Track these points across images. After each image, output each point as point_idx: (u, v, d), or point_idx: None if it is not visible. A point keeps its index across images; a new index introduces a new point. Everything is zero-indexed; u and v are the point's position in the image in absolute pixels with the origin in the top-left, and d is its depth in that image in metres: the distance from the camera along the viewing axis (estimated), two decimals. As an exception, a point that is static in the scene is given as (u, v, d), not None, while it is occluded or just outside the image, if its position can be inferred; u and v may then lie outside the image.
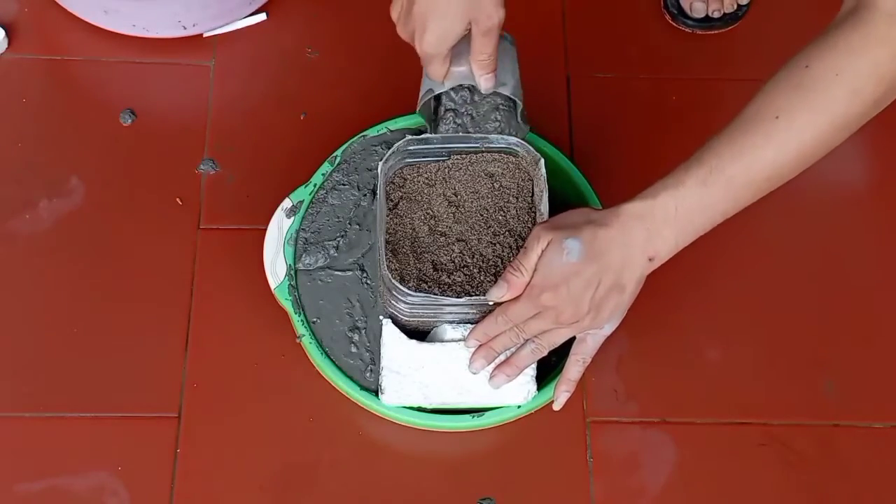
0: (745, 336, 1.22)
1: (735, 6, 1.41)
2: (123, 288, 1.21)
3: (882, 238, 1.29)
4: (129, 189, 1.27)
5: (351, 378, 1.10)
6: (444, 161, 1.12)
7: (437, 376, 1.06)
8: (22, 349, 1.17)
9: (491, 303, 1.00)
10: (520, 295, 0.98)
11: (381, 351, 1.07)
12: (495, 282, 1.00)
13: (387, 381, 1.07)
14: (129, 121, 1.30)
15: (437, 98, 1.11)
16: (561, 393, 1.07)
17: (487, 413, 1.08)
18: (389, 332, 1.07)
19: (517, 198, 1.10)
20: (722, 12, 1.40)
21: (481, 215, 1.10)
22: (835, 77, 0.90)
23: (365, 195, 1.18)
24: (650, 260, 0.96)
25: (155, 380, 1.16)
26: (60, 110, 1.32)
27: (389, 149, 1.10)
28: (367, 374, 1.10)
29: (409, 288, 1.03)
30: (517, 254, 1.00)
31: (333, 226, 1.17)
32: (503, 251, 1.08)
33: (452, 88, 1.09)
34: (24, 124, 1.31)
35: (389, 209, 1.10)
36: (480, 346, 1.03)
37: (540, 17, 1.41)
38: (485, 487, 1.13)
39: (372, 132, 1.21)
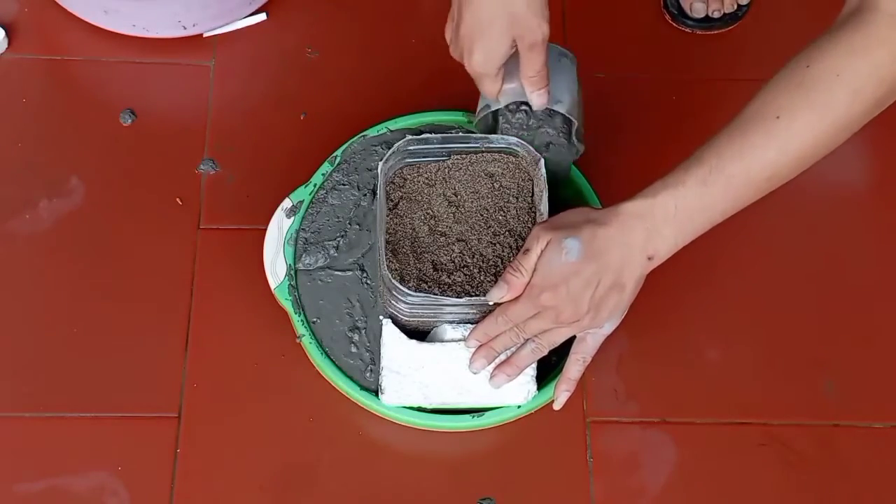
0: (745, 336, 1.22)
1: (735, 6, 1.41)
2: (123, 288, 1.21)
3: (882, 238, 1.29)
4: (129, 189, 1.27)
5: (351, 378, 1.10)
6: (444, 161, 1.12)
7: (437, 376, 1.07)
8: (22, 349, 1.17)
9: (491, 303, 1.00)
10: (520, 295, 0.98)
11: (381, 351, 1.07)
12: (495, 282, 1.00)
13: (387, 381, 1.07)
14: (129, 121, 1.30)
15: (495, 114, 1.11)
16: (561, 392, 1.07)
17: (487, 413, 1.08)
18: (389, 332, 1.07)
19: (517, 198, 1.10)
20: (722, 12, 1.40)
21: (481, 215, 1.10)
22: (836, 77, 0.90)
23: (365, 195, 1.18)
24: (650, 259, 0.96)
25: (155, 380, 1.16)
26: (60, 110, 1.32)
27: (389, 149, 1.10)
28: (367, 374, 1.10)
29: (409, 288, 1.04)
30: (517, 254, 1.00)
31: (333, 226, 1.17)
32: (503, 251, 1.08)
33: (510, 109, 1.09)
34: (24, 124, 1.31)
35: (389, 209, 1.10)
36: (480, 345, 1.03)
37: (540, 17, 1.41)
38: (485, 487, 1.12)
39: (372, 132, 1.21)
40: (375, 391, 1.09)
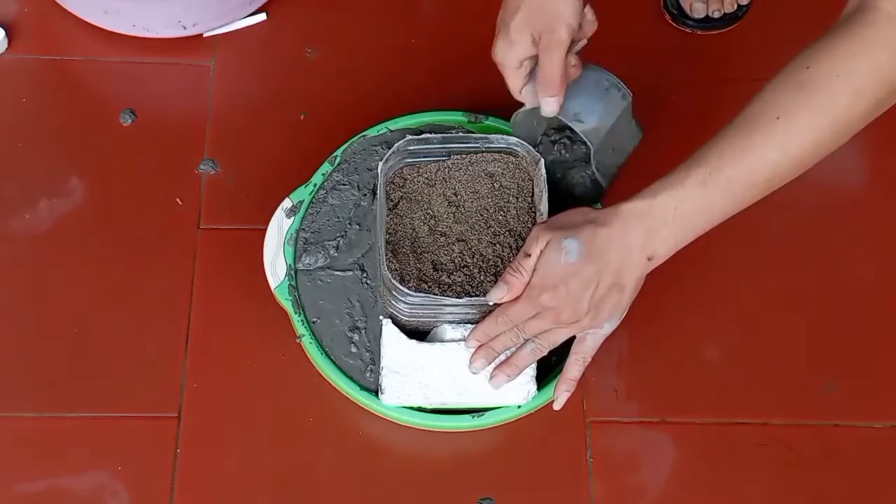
0: (744, 336, 1.22)
1: (735, 6, 1.41)
2: (123, 288, 1.21)
3: (882, 238, 1.29)
4: (129, 189, 1.27)
5: (351, 378, 1.10)
6: (444, 161, 1.12)
7: (437, 376, 1.07)
8: (22, 349, 1.17)
9: (491, 303, 1.00)
10: (520, 295, 0.98)
11: (381, 351, 1.07)
12: (495, 282, 1.00)
13: (387, 381, 1.07)
14: (129, 121, 1.30)
15: (532, 122, 1.11)
16: (561, 392, 1.07)
17: (487, 413, 1.08)
18: (389, 332, 1.07)
19: (517, 198, 1.10)
20: (722, 12, 1.40)
21: (481, 215, 1.10)
22: (836, 78, 0.90)
23: (365, 195, 1.18)
24: (649, 259, 0.96)
25: (155, 380, 1.16)
26: (60, 110, 1.32)
27: (389, 149, 1.10)
28: (367, 374, 1.10)
29: (409, 288, 1.04)
30: (517, 254, 1.00)
31: (333, 226, 1.17)
32: (503, 251, 1.08)
33: (555, 131, 1.09)
34: (24, 124, 1.31)
35: (389, 209, 1.10)
36: (480, 346, 1.03)
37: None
38: (485, 487, 1.12)
39: (372, 132, 1.21)
40: (375, 391, 1.09)
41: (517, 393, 1.07)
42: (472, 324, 1.05)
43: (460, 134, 1.13)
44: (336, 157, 1.20)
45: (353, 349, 1.11)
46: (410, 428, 1.10)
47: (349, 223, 1.17)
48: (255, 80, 1.35)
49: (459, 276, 1.06)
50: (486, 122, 1.22)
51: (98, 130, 1.30)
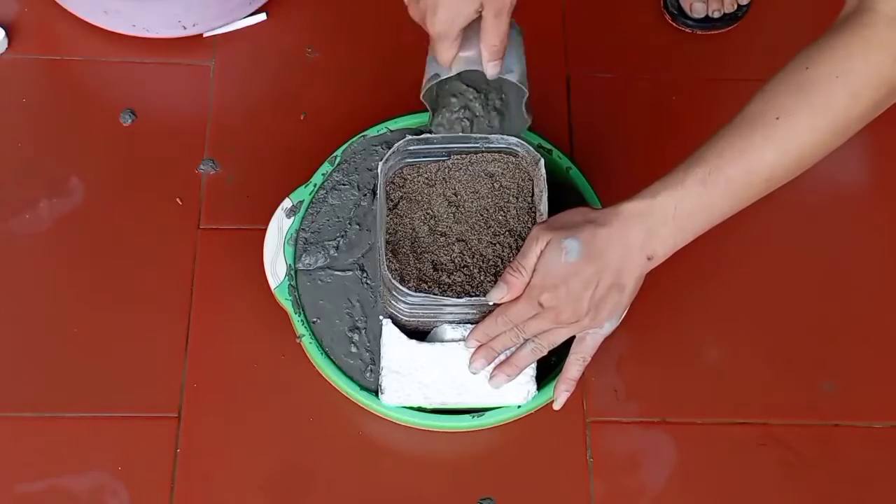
0: (744, 336, 1.22)
1: (735, 6, 1.41)
2: (123, 288, 1.21)
3: (882, 238, 1.29)
4: (129, 189, 1.27)
5: (351, 378, 1.10)
6: (444, 161, 1.12)
7: (437, 376, 1.07)
8: (22, 349, 1.17)
9: (491, 303, 1.00)
10: (520, 296, 0.98)
11: (381, 351, 1.07)
12: (495, 282, 1.00)
13: (387, 381, 1.07)
14: (129, 121, 1.30)
15: (440, 84, 1.10)
16: (561, 392, 1.07)
17: (487, 413, 1.08)
18: (389, 332, 1.07)
19: (517, 198, 1.10)
20: (722, 12, 1.40)
21: (481, 215, 1.10)
22: (835, 79, 0.90)
23: (365, 195, 1.18)
24: (649, 259, 0.96)
25: (155, 380, 1.16)
26: (60, 110, 1.32)
27: (389, 149, 1.10)
28: (367, 374, 1.10)
29: (409, 288, 1.03)
30: (517, 254, 1.00)
31: (333, 226, 1.17)
32: (503, 251, 1.08)
33: (450, 109, 1.09)
34: (24, 124, 1.31)
35: (389, 209, 1.10)
36: (480, 346, 1.03)
37: (540, 17, 1.41)
38: (485, 487, 1.13)
39: (372, 132, 1.21)
40: (375, 391, 1.09)
41: (517, 393, 1.07)
42: (472, 324, 1.05)
43: (460, 134, 1.12)
44: (336, 157, 1.20)
45: (353, 349, 1.11)
46: (410, 428, 1.09)
47: (349, 223, 1.17)
48: (255, 80, 1.35)
49: (459, 276, 1.06)
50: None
51: (98, 130, 1.30)
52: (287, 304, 1.13)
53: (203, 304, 1.20)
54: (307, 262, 1.15)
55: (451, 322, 1.07)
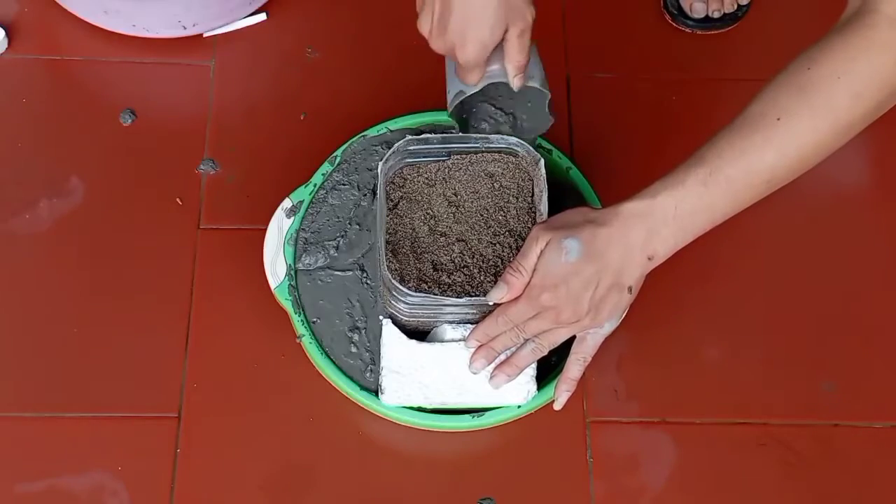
0: (744, 336, 1.22)
1: (735, 6, 1.41)
2: (123, 288, 1.21)
3: (882, 238, 1.29)
4: (129, 189, 1.27)
5: (351, 378, 1.10)
6: (444, 161, 1.12)
7: (437, 376, 1.07)
8: (22, 349, 1.17)
9: (491, 303, 1.00)
10: (520, 295, 0.98)
11: (381, 351, 1.07)
12: (495, 282, 1.00)
13: (387, 381, 1.07)
14: (129, 121, 1.30)
15: (468, 101, 1.10)
16: (561, 392, 1.07)
17: (487, 413, 1.08)
18: (389, 332, 1.07)
19: (517, 198, 1.10)
20: (722, 12, 1.40)
21: (481, 215, 1.10)
22: (837, 80, 0.90)
23: (365, 195, 1.18)
24: (649, 259, 0.96)
25: (155, 380, 1.16)
26: (60, 110, 1.32)
27: (389, 149, 1.10)
28: (367, 374, 1.10)
29: (409, 288, 1.03)
30: (517, 254, 1.00)
31: (333, 226, 1.17)
32: (503, 251, 1.08)
33: (479, 117, 1.10)
34: (24, 124, 1.31)
35: (389, 209, 1.10)
36: (480, 346, 1.03)
37: (540, 17, 1.39)
38: (485, 487, 1.13)
39: (372, 132, 1.21)
40: (375, 391, 1.09)
41: (517, 393, 1.07)
42: (472, 324, 1.05)
43: (460, 134, 1.12)
44: (336, 157, 1.20)
45: (353, 349, 1.11)
46: (410, 428, 1.09)
47: (349, 223, 1.17)
48: (255, 80, 1.35)
49: (459, 276, 1.06)
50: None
51: (98, 130, 1.30)
52: (287, 304, 1.13)
53: (203, 304, 1.20)
54: (307, 262, 1.15)
55: (451, 322, 1.07)
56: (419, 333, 1.09)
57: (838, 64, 0.90)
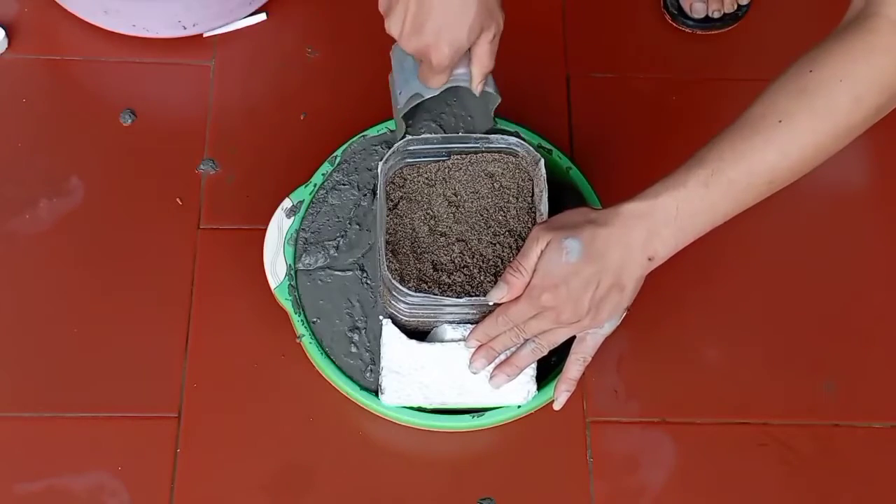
0: (744, 336, 1.22)
1: (735, 6, 1.41)
2: (123, 288, 1.21)
3: (882, 238, 1.29)
4: (129, 189, 1.27)
5: (351, 378, 1.10)
6: (444, 161, 1.12)
7: (437, 376, 1.07)
8: (22, 349, 1.17)
9: (491, 303, 1.00)
10: (520, 296, 0.98)
11: (381, 351, 1.07)
12: (495, 282, 1.00)
13: (387, 381, 1.07)
14: (129, 121, 1.30)
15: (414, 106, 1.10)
16: (561, 392, 1.07)
17: (487, 413, 1.08)
18: (389, 332, 1.07)
19: (517, 198, 1.10)
20: (722, 12, 1.40)
21: (481, 215, 1.10)
22: (838, 83, 0.90)
23: (365, 195, 1.18)
24: (650, 260, 0.96)
25: (155, 380, 1.16)
26: (60, 110, 1.32)
27: (389, 149, 1.10)
28: (367, 374, 1.10)
29: (409, 288, 1.03)
30: (517, 254, 1.00)
31: (333, 226, 1.17)
32: (503, 251, 1.08)
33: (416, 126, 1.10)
34: (24, 124, 1.31)
35: (389, 209, 1.10)
36: (480, 346, 1.03)
37: (540, 17, 1.41)
38: (485, 487, 1.13)
39: (372, 132, 1.21)
40: (375, 391, 1.09)
41: (517, 393, 1.07)
42: (472, 324, 1.05)
43: (460, 134, 1.12)
44: (336, 157, 1.20)
45: (353, 349, 1.11)
46: (410, 428, 1.09)
47: (349, 223, 1.17)
48: (255, 80, 1.35)
49: (459, 277, 1.06)
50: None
51: (98, 130, 1.30)
52: (287, 304, 1.13)
53: (203, 304, 1.20)
54: (307, 262, 1.15)
55: (451, 322, 1.07)
56: (419, 333, 1.09)
57: (840, 67, 0.90)
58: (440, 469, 1.14)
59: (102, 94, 1.34)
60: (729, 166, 0.92)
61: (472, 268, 1.07)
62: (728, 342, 1.21)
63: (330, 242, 1.16)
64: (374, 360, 1.11)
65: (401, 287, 1.03)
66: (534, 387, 1.08)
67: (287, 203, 1.17)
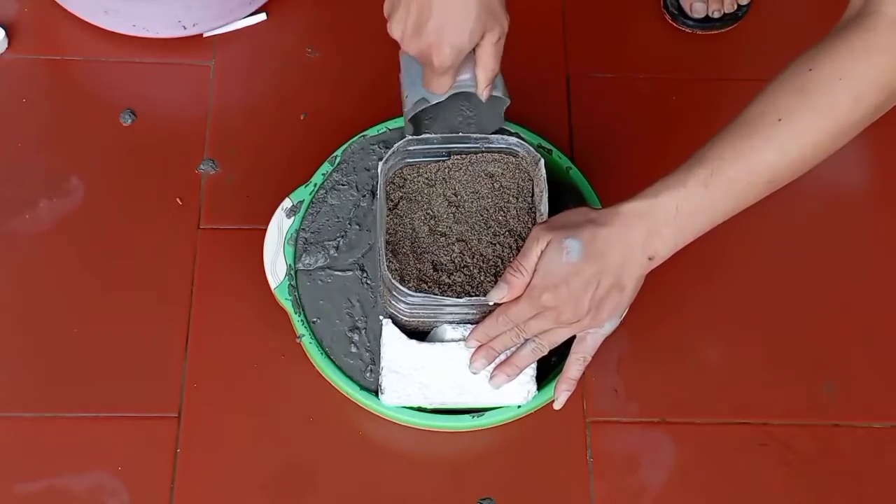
0: (744, 336, 1.22)
1: (735, 6, 1.41)
2: (123, 288, 1.21)
3: (882, 238, 1.29)
4: (129, 189, 1.27)
5: (351, 378, 1.10)
6: (444, 161, 1.12)
7: (437, 376, 1.07)
8: (22, 349, 1.17)
9: (491, 303, 1.00)
10: (520, 296, 0.98)
11: (381, 351, 1.07)
12: (495, 282, 1.00)
13: (387, 381, 1.07)
14: (129, 121, 1.30)
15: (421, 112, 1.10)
16: (561, 392, 1.07)
17: (487, 413, 1.08)
18: (389, 332, 1.07)
19: (517, 198, 1.10)
20: (722, 12, 1.40)
21: (481, 215, 1.10)
22: (838, 82, 0.90)
23: (365, 195, 1.18)
24: (650, 259, 0.96)
25: (155, 380, 1.16)
26: (60, 110, 1.32)
27: (389, 149, 1.10)
28: (367, 374, 1.10)
29: (409, 288, 1.03)
30: (517, 254, 1.00)
31: (333, 226, 1.17)
32: (503, 251, 1.08)
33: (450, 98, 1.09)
34: (24, 124, 1.31)
35: (389, 209, 1.10)
36: (480, 346, 1.03)
37: (540, 16, 1.41)
38: (485, 487, 1.13)
39: (372, 132, 1.21)
40: (375, 391, 1.09)
41: (517, 393, 1.07)
42: (472, 324, 1.05)
43: (460, 134, 1.12)
44: (336, 156, 1.20)
45: (353, 349, 1.11)
46: (410, 428, 1.09)
47: (349, 223, 1.17)
48: (255, 80, 1.35)
49: (459, 277, 1.06)
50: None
51: (98, 130, 1.30)
52: (287, 304, 1.13)
53: (203, 304, 1.20)
54: (307, 262, 1.15)
55: (451, 322, 1.07)
56: (419, 333, 1.09)
57: (839, 65, 0.90)
58: (440, 469, 1.14)
59: (102, 94, 1.34)
60: (728, 165, 0.92)
61: (472, 268, 1.07)
62: (728, 342, 1.21)
63: (330, 242, 1.16)
64: (374, 360, 1.11)
65: (401, 287, 1.03)
66: (534, 387, 1.08)
67: (287, 203, 1.17)
